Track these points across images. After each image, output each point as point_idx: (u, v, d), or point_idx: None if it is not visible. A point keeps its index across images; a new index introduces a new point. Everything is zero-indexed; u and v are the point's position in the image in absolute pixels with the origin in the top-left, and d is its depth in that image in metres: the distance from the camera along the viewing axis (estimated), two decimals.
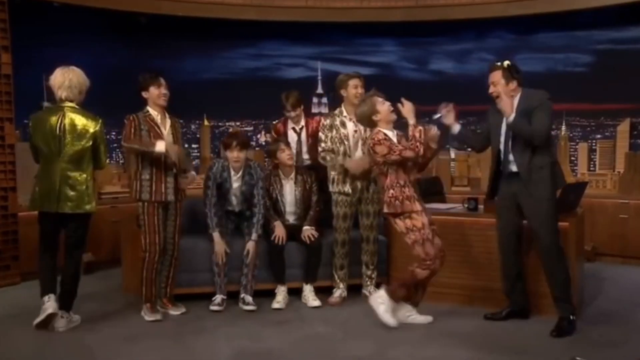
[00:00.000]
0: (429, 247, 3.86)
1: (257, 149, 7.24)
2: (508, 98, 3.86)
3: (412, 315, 4.11)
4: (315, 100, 7.38)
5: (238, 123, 7.35)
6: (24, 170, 5.49)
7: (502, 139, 3.97)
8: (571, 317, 3.88)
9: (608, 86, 6.46)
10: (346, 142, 4.61)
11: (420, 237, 3.87)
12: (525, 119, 3.81)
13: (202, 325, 4.16)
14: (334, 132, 4.63)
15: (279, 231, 4.61)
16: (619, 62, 6.41)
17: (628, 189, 6.09)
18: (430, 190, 5.37)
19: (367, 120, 4.05)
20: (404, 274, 4.02)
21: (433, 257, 3.86)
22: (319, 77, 7.37)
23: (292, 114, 4.99)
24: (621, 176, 6.23)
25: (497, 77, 3.92)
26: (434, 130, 4.03)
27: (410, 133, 3.90)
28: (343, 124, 4.65)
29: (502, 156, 3.99)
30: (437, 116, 4.12)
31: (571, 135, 6.80)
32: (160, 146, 4.10)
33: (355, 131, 4.61)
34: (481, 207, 4.58)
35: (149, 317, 4.26)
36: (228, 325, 4.15)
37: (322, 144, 4.68)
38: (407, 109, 3.92)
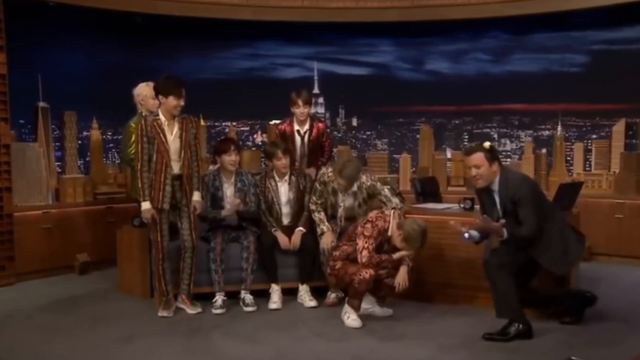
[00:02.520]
0: (349, 267, 4.12)
1: (253, 149, 7.23)
2: (491, 224, 3.79)
3: (370, 308, 4.28)
4: (312, 100, 7.37)
5: (234, 123, 7.33)
6: (19, 170, 5.48)
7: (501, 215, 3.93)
8: (512, 329, 3.80)
9: (603, 86, 6.47)
10: (332, 209, 4.64)
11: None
12: (511, 206, 3.81)
13: (200, 325, 4.16)
14: (325, 193, 4.61)
15: (284, 241, 4.63)
16: (614, 62, 6.42)
17: (623, 189, 6.11)
18: (427, 190, 5.37)
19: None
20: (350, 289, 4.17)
21: (356, 272, 4.06)
22: (315, 77, 7.36)
23: (303, 109, 4.95)
24: (616, 176, 6.24)
25: (479, 159, 3.84)
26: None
27: (384, 257, 4.07)
28: (334, 192, 4.60)
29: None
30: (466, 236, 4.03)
31: (567, 135, 6.81)
32: (144, 206, 4.28)
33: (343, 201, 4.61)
34: (477, 207, 4.58)
35: (159, 313, 4.36)
36: (225, 326, 4.15)
37: (314, 197, 4.65)
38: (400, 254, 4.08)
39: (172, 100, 4.24)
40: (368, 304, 4.29)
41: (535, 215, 3.77)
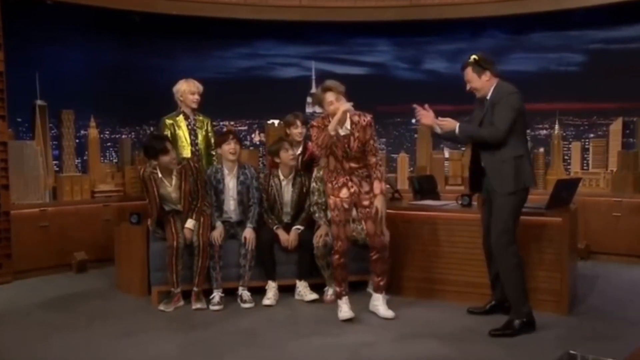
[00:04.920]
0: (334, 229, 4.17)
1: (251, 148, 7.23)
2: (428, 112, 4.07)
3: (377, 305, 4.25)
4: (309, 99, 7.38)
5: (232, 122, 7.32)
6: (17, 168, 5.48)
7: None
8: (516, 322, 3.80)
9: (601, 85, 6.48)
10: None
11: (332, 217, 4.20)
12: (491, 109, 3.80)
13: (197, 322, 4.16)
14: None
15: (285, 238, 4.64)
16: (612, 61, 6.43)
17: (621, 188, 6.12)
18: (425, 188, 5.38)
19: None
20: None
21: (335, 238, 4.17)
22: (313, 77, 7.36)
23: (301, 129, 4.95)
24: (614, 175, 6.25)
25: (468, 75, 3.95)
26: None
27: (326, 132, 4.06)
28: None
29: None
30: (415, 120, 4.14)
31: (564, 134, 6.81)
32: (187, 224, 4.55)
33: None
34: (474, 203, 4.59)
35: (159, 307, 4.41)
36: (223, 322, 4.15)
37: (315, 196, 4.66)
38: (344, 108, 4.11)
39: (164, 158, 4.43)
40: (375, 300, 4.26)
41: (507, 121, 3.72)
